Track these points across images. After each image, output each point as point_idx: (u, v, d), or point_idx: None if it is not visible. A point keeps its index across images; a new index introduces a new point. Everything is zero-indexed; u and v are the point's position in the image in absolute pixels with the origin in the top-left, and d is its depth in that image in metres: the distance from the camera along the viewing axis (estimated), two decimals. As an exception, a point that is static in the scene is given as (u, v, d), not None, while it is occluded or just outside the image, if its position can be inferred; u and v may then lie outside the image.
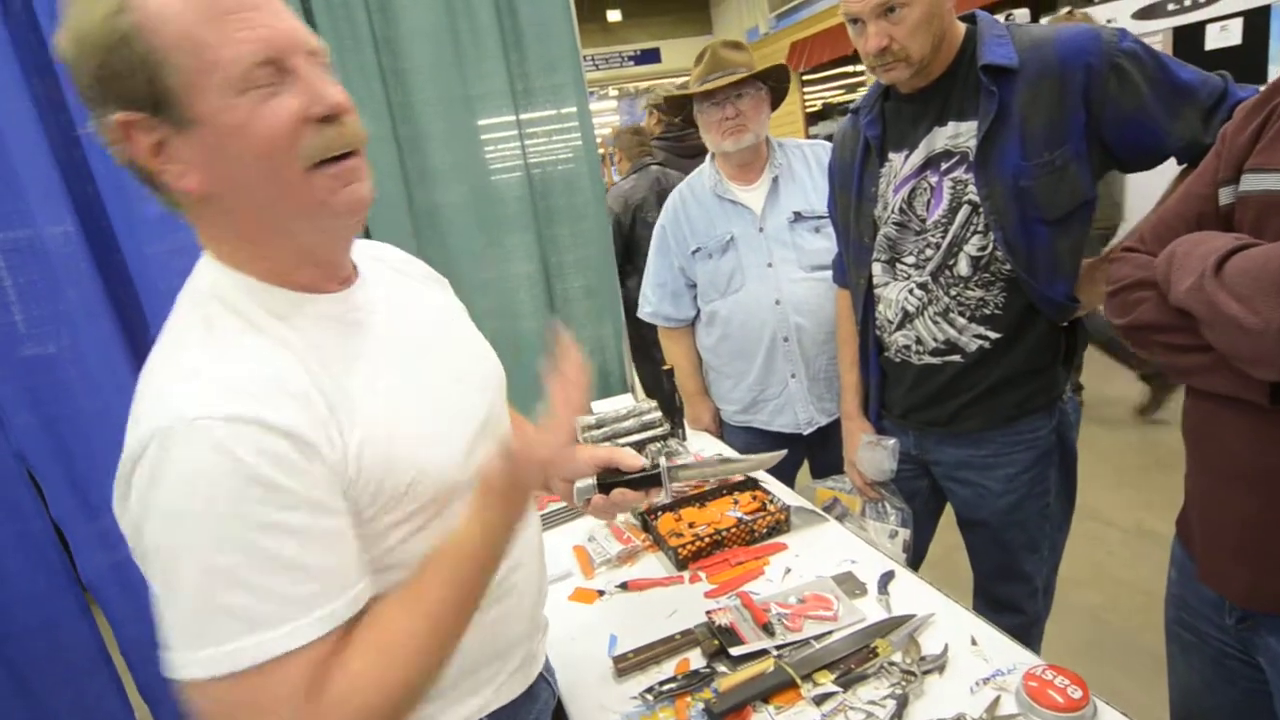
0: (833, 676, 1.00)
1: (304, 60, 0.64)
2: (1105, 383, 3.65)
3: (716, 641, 1.10)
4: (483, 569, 0.72)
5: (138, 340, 1.51)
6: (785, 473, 2.00)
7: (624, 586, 1.31)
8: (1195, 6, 4.31)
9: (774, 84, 1.85)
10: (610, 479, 0.94)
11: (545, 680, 0.97)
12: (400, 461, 0.69)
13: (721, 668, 1.06)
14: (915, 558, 1.65)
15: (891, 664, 1.02)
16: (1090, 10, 4.59)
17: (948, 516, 1.64)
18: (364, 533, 0.68)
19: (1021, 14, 4.67)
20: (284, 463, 0.60)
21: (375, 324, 0.76)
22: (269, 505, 0.59)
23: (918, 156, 1.36)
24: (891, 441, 1.54)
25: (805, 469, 2.08)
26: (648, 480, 0.94)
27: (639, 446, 1.89)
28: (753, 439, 1.97)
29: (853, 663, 1.02)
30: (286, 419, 0.61)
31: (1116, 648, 2.20)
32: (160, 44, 0.58)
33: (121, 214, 1.46)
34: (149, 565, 0.61)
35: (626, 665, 1.09)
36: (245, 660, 0.59)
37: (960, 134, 1.29)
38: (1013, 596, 1.56)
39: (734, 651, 1.07)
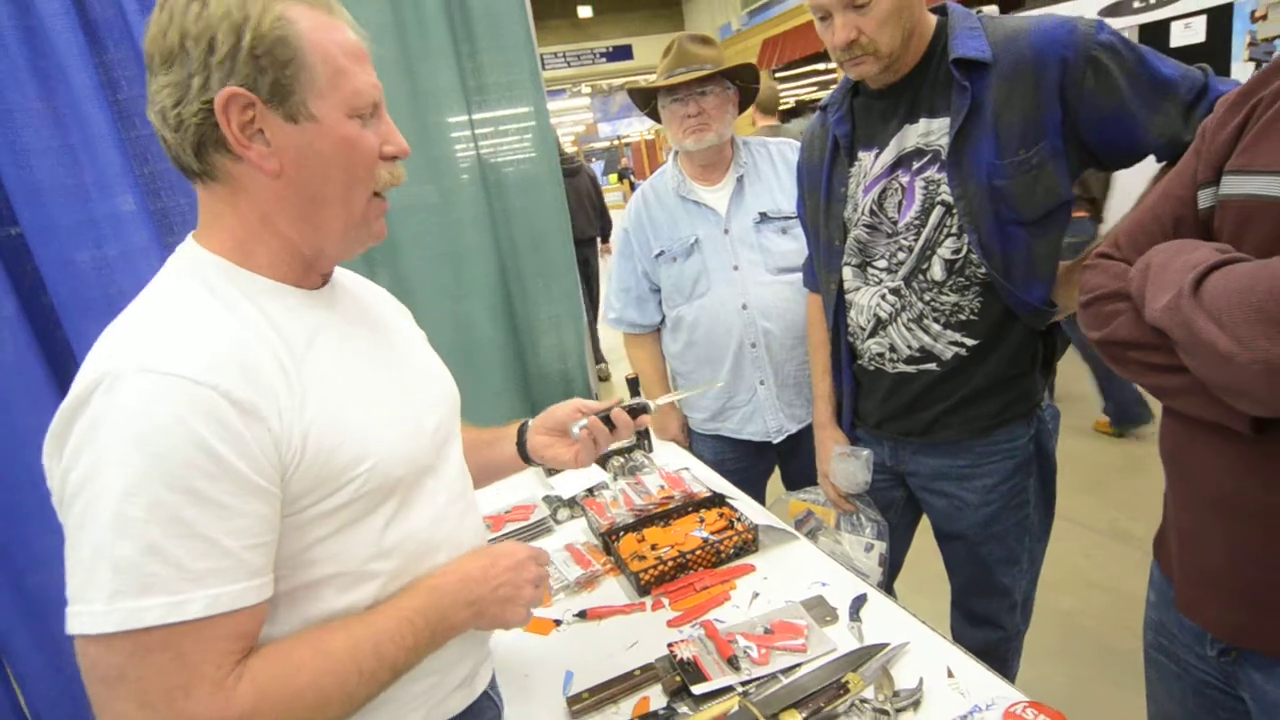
0: (801, 716, 0.93)
1: (382, 110, 0.77)
2: (1076, 384, 3.65)
3: (678, 678, 1.02)
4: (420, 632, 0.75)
5: (54, 354, 1.39)
6: (755, 482, 1.94)
7: (582, 615, 1.23)
8: (1160, 4, 4.34)
9: (742, 83, 1.77)
10: (604, 412, 1.08)
11: (490, 699, 0.94)
12: (349, 442, 0.71)
13: (683, 707, 0.99)
14: (891, 570, 1.60)
15: (863, 701, 0.95)
16: (1057, 8, 4.59)
17: (924, 524, 1.59)
18: (292, 523, 0.69)
19: (990, 10, 4.66)
20: (228, 432, 0.62)
21: (339, 323, 0.80)
22: (200, 472, 0.60)
23: (888, 155, 1.29)
24: (866, 452, 1.47)
25: (777, 478, 2.02)
26: (638, 406, 1.11)
27: (603, 458, 1.81)
28: (721, 447, 1.91)
29: (822, 700, 0.95)
30: (239, 389, 0.63)
31: (1091, 652, 2.18)
32: (306, 55, 0.69)
33: (35, 221, 1.34)
34: (68, 511, 0.61)
35: (581, 706, 1.01)
36: (115, 622, 0.58)
37: (932, 131, 1.23)
38: (990, 610, 1.50)
39: (697, 689, 0.99)
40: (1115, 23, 4.45)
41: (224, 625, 0.62)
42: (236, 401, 0.62)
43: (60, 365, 1.39)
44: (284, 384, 0.67)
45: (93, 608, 0.58)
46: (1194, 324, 0.72)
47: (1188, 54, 4.23)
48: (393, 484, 0.76)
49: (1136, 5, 4.43)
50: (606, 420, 1.08)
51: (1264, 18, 4.17)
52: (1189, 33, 4.28)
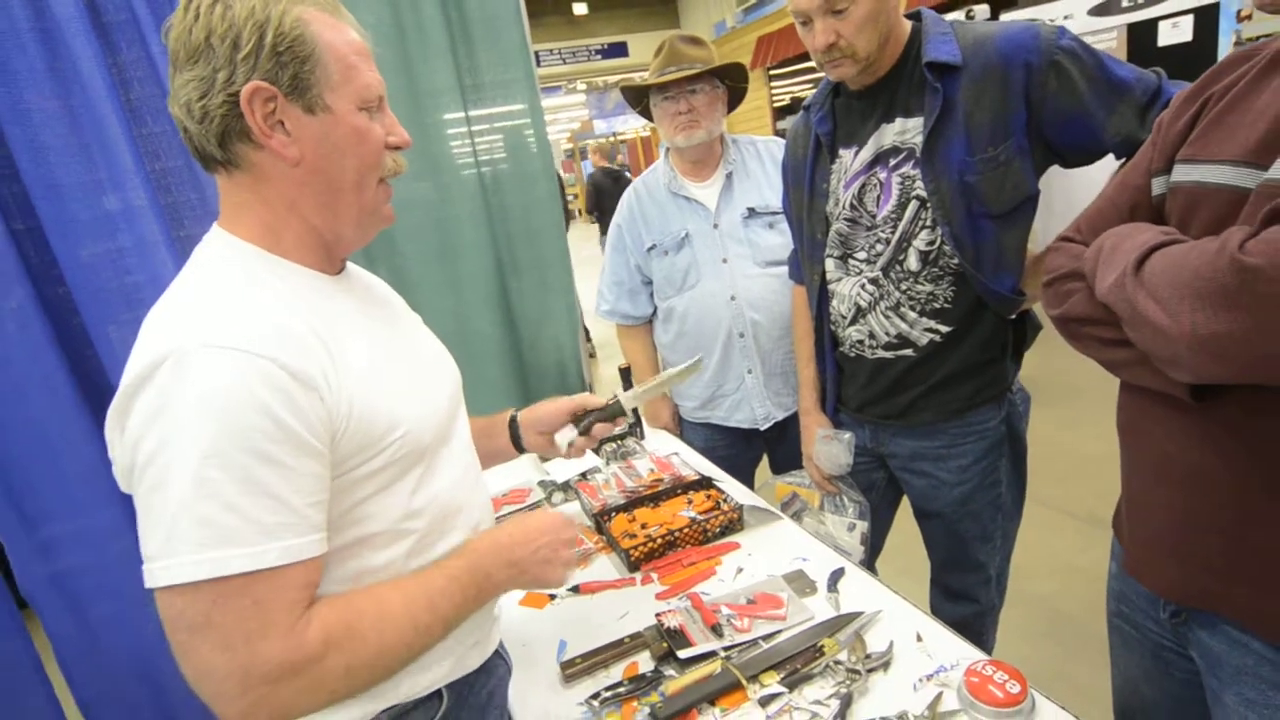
0: (779, 677, 1.00)
1: (385, 103, 0.84)
2: (1057, 371, 3.71)
3: (665, 644, 1.09)
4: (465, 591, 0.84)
5: (71, 343, 1.45)
6: (744, 468, 2.01)
7: (575, 590, 1.30)
8: (1148, 3, 4.40)
9: (731, 82, 1.84)
10: (584, 419, 1.18)
11: (501, 657, 1.01)
12: (383, 412, 0.77)
13: (669, 671, 1.06)
14: (873, 549, 1.66)
15: (837, 663, 1.02)
16: (1047, 6, 4.66)
17: (906, 507, 1.66)
18: (339, 485, 0.75)
19: (981, 10, 4.72)
20: (289, 399, 0.68)
21: (360, 306, 0.86)
22: (268, 436, 0.66)
23: (867, 152, 1.36)
24: (847, 435, 1.54)
25: (765, 464, 2.08)
26: (614, 411, 1.20)
27: (596, 447, 1.87)
28: (711, 435, 1.97)
29: (799, 662, 1.02)
30: (295, 360, 0.69)
31: (1070, 635, 2.24)
32: (321, 52, 0.75)
33: (52, 216, 1.40)
34: (141, 476, 0.66)
35: (574, 671, 1.08)
36: (205, 571, 0.64)
37: (907, 130, 1.30)
38: (966, 585, 1.58)
39: (682, 654, 1.06)
40: (1104, 22, 4.52)
41: (293, 575, 0.69)
42: (294, 372, 0.68)
43: (77, 354, 1.45)
44: (327, 357, 0.74)
45: (180, 559, 0.64)
46: (1135, 300, 0.78)
47: (1175, 53, 4.30)
48: (421, 451, 0.83)
49: (1125, 4, 4.50)
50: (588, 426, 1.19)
51: (1249, 17, 4.24)
52: (1176, 32, 4.35)
